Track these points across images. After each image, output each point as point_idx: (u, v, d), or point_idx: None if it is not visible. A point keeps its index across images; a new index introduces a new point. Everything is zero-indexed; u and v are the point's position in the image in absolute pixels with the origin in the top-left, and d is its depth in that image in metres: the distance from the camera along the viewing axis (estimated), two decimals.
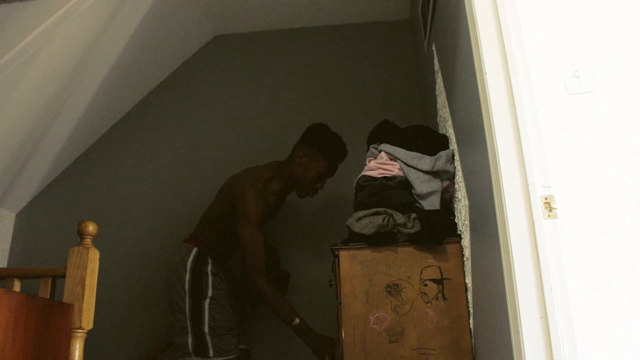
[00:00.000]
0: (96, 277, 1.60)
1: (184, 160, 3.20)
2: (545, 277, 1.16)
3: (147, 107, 3.34)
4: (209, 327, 2.25)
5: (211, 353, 2.23)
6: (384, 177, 1.84)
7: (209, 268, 2.36)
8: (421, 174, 1.81)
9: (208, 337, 2.24)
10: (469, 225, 1.67)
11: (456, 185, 1.86)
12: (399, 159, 1.86)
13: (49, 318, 1.41)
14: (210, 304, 2.29)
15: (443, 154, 1.85)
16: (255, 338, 2.76)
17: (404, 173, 1.83)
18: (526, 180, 1.23)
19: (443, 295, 1.70)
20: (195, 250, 2.37)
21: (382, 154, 1.91)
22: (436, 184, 1.80)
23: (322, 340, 2.20)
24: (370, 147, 1.99)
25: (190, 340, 2.24)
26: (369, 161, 1.96)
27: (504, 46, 1.35)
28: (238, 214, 2.29)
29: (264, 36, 3.45)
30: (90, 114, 2.98)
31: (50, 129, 2.80)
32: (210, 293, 2.31)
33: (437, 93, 2.27)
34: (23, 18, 2.21)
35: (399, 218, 1.74)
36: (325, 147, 2.34)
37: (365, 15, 3.34)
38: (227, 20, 3.36)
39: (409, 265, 1.74)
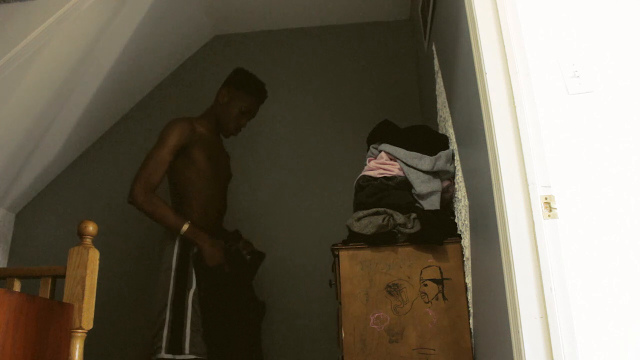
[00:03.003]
0: (96, 277, 1.60)
1: None
2: (545, 277, 1.16)
3: (147, 107, 3.34)
4: (191, 322, 2.11)
5: (187, 349, 2.08)
6: (384, 177, 1.84)
7: (195, 250, 2.22)
8: (421, 174, 1.81)
9: (188, 331, 2.09)
10: (469, 225, 1.67)
11: (456, 185, 1.86)
12: (399, 159, 1.86)
13: (49, 318, 1.41)
14: (194, 297, 2.15)
15: (443, 154, 1.85)
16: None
17: (404, 173, 1.83)
18: (526, 180, 1.23)
19: (443, 295, 1.70)
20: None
21: (382, 154, 1.91)
22: (436, 184, 1.80)
23: (213, 245, 2.18)
24: (370, 147, 1.99)
25: (165, 334, 2.09)
26: (369, 161, 1.96)
27: (504, 46, 1.35)
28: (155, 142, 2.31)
29: (264, 36, 3.45)
30: (90, 114, 2.98)
31: (50, 128, 2.80)
32: (194, 284, 2.17)
33: (437, 93, 2.27)
34: (23, 18, 2.21)
35: (399, 218, 1.74)
36: (243, 83, 2.48)
37: (365, 15, 3.34)
38: (227, 20, 3.36)
39: (409, 265, 1.74)
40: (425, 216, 1.74)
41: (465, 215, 1.72)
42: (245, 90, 2.48)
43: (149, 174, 2.22)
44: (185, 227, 2.16)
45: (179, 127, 2.33)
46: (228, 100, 2.47)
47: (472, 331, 1.67)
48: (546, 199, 1.21)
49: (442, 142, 1.95)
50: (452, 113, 1.94)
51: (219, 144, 2.54)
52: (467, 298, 1.70)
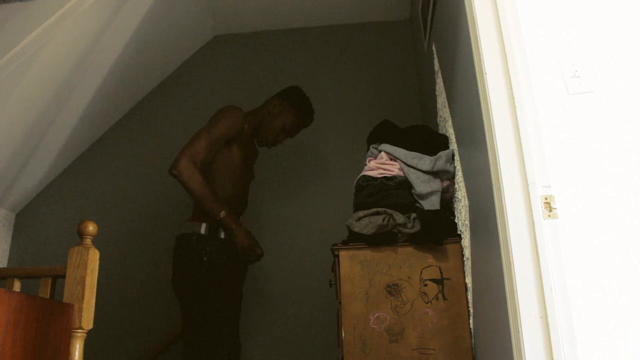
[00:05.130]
0: (96, 277, 1.60)
1: None
2: (545, 277, 1.16)
3: (147, 107, 3.34)
4: None
5: None
6: (384, 177, 1.84)
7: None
8: (421, 174, 1.81)
9: None
10: (469, 225, 1.67)
11: (456, 185, 1.86)
12: (399, 159, 1.86)
13: (49, 318, 1.41)
14: None
15: (443, 154, 1.85)
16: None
17: (404, 173, 1.83)
18: (526, 180, 1.23)
19: (443, 295, 1.70)
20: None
21: (382, 154, 1.91)
22: (436, 184, 1.80)
23: (245, 235, 2.23)
24: (370, 147, 1.99)
25: None
26: (369, 161, 1.96)
27: (504, 46, 1.35)
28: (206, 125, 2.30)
29: (264, 36, 3.45)
30: (90, 114, 2.98)
31: (50, 129, 2.80)
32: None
33: (437, 93, 2.27)
34: (23, 18, 2.21)
35: (399, 218, 1.74)
36: (297, 104, 2.48)
37: (365, 15, 3.34)
38: (227, 20, 3.36)
39: (409, 265, 1.74)
40: (425, 216, 1.74)
41: (465, 215, 1.72)
42: (297, 111, 2.48)
43: (197, 150, 2.21)
44: (224, 213, 2.18)
45: (235, 116, 2.32)
46: (277, 112, 2.45)
47: (472, 331, 1.66)
48: (546, 199, 1.21)
49: (442, 142, 1.95)
50: (452, 113, 1.94)
51: (253, 145, 2.55)
52: (467, 298, 1.70)
